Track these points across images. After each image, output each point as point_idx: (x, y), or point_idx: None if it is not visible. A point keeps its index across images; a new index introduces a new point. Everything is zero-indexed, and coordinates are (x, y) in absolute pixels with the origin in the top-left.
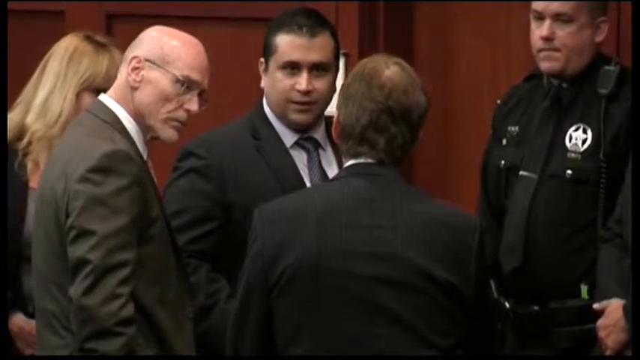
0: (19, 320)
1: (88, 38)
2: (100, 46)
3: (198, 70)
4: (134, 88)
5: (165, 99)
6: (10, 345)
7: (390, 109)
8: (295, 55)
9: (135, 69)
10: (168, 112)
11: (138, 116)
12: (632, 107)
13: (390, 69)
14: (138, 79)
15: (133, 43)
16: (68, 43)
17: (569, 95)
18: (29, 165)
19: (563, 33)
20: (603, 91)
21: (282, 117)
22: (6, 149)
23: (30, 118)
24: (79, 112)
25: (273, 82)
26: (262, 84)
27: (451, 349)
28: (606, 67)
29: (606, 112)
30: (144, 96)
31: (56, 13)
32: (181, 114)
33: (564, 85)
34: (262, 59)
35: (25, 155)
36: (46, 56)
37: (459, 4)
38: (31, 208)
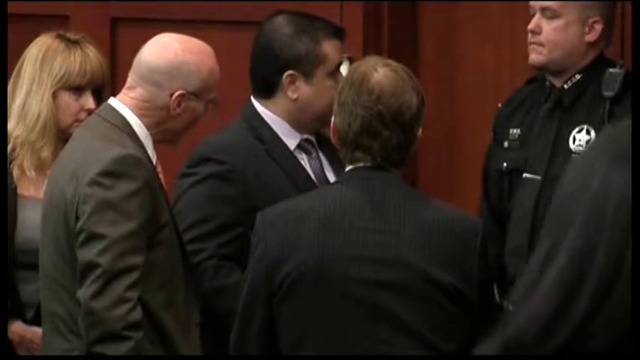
0: (18, 328)
1: (60, 37)
2: (71, 43)
3: (218, 87)
4: (172, 117)
5: (196, 120)
6: (11, 354)
7: (380, 113)
8: (341, 58)
9: (179, 103)
10: (193, 127)
11: (154, 129)
12: (633, 107)
13: (378, 72)
14: (179, 110)
15: (167, 72)
16: (40, 44)
17: (570, 97)
18: (15, 171)
19: (548, 28)
20: (608, 94)
21: (320, 121)
22: (6, 150)
23: (11, 125)
24: (57, 111)
25: (324, 91)
26: (294, 95)
27: (454, 352)
28: (611, 70)
29: (610, 113)
30: (179, 123)
31: (61, 18)
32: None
33: (565, 86)
34: (293, 72)
35: (10, 162)
36: (20, 59)
37: (464, 9)
38: (23, 216)
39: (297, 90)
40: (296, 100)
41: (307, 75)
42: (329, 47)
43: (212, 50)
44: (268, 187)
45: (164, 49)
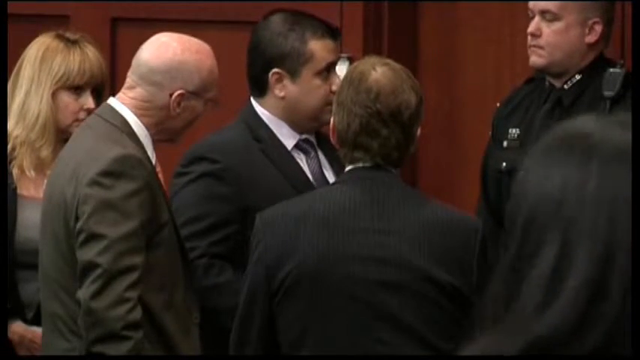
0: (19, 328)
1: (59, 36)
2: (70, 43)
3: (217, 86)
4: (171, 117)
5: (195, 119)
6: (11, 354)
7: (379, 112)
8: (332, 57)
9: (179, 103)
10: (190, 126)
11: (154, 129)
12: (633, 107)
13: (377, 71)
14: (179, 110)
15: (167, 72)
16: (39, 44)
17: (570, 97)
18: (15, 172)
19: (548, 30)
20: (609, 93)
21: (311, 120)
22: (6, 150)
23: (10, 124)
24: (57, 111)
25: (311, 89)
26: (281, 94)
27: (454, 352)
28: (612, 70)
29: (611, 113)
30: (179, 122)
31: (61, 18)
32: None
33: (565, 87)
34: (279, 70)
35: (10, 162)
36: (20, 59)
37: (464, 9)
38: (23, 216)
39: (284, 88)
40: (284, 98)
41: (293, 73)
42: (316, 46)
43: (210, 49)
44: (262, 186)
45: (163, 49)
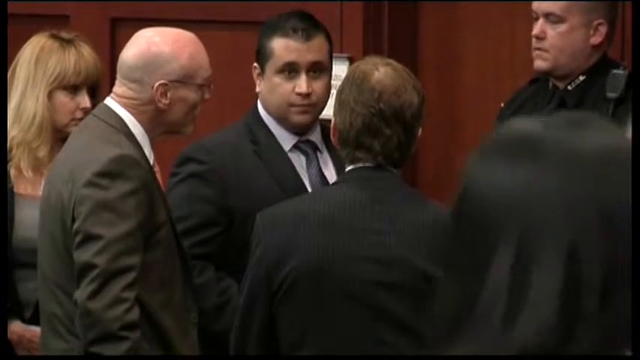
0: (17, 328)
1: (54, 36)
2: (65, 42)
3: (208, 66)
4: (163, 110)
5: (194, 107)
6: (10, 354)
7: (382, 111)
8: (292, 57)
9: (163, 94)
10: (195, 114)
11: (150, 124)
12: (633, 107)
13: (380, 71)
14: (167, 101)
15: (144, 66)
16: (34, 44)
17: (573, 98)
18: (12, 172)
19: (553, 33)
20: (612, 95)
21: (282, 120)
22: (5, 150)
23: (7, 125)
24: (54, 111)
25: (272, 87)
26: (258, 89)
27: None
28: (615, 71)
29: (614, 115)
30: (175, 114)
31: (61, 18)
32: (199, 109)
33: (569, 87)
34: (256, 64)
35: (7, 162)
36: (15, 60)
37: (464, 9)
38: (21, 215)
39: (259, 85)
40: (259, 94)
41: (262, 70)
42: (277, 44)
43: (193, 37)
44: (250, 188)
45: (138, 45)
